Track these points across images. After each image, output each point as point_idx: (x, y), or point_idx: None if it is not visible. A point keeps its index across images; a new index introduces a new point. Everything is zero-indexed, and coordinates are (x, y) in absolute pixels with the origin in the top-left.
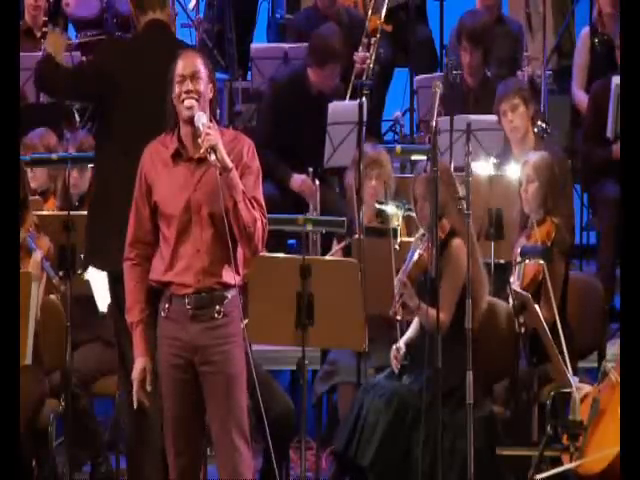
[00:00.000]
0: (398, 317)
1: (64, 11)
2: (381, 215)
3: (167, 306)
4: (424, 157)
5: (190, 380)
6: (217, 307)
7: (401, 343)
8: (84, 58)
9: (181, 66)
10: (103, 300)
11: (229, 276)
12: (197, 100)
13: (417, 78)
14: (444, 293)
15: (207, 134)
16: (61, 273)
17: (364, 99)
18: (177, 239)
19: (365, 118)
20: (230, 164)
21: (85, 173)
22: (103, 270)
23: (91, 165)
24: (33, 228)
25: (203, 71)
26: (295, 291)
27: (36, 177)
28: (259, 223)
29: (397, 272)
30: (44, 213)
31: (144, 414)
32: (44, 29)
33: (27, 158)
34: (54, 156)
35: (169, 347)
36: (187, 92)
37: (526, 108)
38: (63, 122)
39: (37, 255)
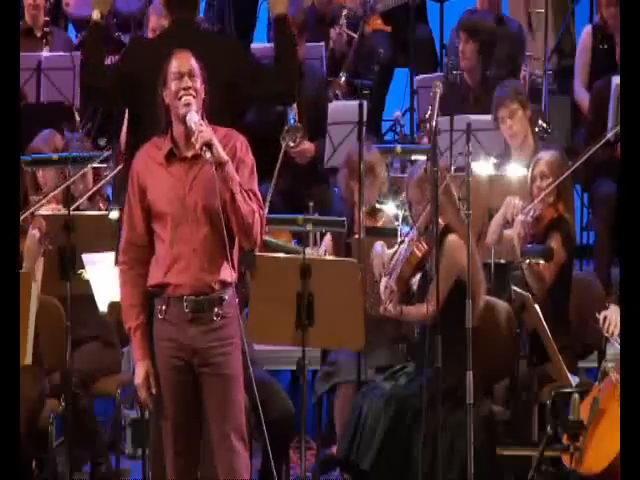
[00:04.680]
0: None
1: (64, 11)
2: (375, 215)
3: (164, 308)
4: (424, 157)
5: (188, 381)
6: (216, 310)
7: (392, 282)
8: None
9: (177, 64)
10: (103, 300)
11: (226, 274)
12: (194, 97)
13: (417, 78)
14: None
15: (200, 131)
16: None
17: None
18: (172, 238)
19: (365, 118)
20: (225, 157)
21: (85, 173)
22: None
23: (91, 165)
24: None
25: (198, 69)
26: (295, 291)
27: (48, 184)
28: (257, 215)
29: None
30: (44, 213)
31: None
32: (44, 29)
33: (28, 158)
34: (54, 156)
35: (167, 349)
36: (185, 89)
37: (524, 112)
38: (63, 122)
39: (35, 232)
